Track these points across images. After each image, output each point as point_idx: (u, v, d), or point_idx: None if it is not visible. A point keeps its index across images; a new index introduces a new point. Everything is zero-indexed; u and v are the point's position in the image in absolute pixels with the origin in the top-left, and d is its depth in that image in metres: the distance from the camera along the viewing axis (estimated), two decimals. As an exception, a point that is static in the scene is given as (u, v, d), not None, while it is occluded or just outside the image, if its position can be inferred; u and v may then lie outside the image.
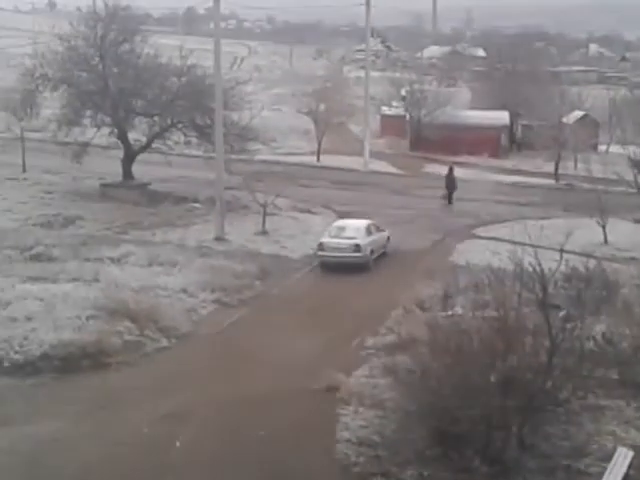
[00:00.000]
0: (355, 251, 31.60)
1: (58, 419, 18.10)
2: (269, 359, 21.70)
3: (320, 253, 32.02)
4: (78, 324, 22.42)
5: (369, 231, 32.83)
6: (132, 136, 43.84)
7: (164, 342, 22.93)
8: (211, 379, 20.65)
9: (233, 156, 40.17)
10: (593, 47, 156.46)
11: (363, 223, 33.41)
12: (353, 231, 32.43)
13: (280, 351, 22.29)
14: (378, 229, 33.64)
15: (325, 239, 32.17)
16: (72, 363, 20.88)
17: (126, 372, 20.97)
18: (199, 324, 24.63)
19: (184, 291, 26.65)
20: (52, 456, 16.54)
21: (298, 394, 19.61)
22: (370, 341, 23.25)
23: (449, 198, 43.72)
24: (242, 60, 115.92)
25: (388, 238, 34.17)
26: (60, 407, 18.76)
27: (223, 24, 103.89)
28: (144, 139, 43.67)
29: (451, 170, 44.53)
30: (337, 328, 24.26)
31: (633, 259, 32.36)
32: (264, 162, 46.61)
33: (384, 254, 33.52)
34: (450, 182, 43.96)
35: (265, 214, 35.80)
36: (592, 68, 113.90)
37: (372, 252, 32.28)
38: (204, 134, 41.81)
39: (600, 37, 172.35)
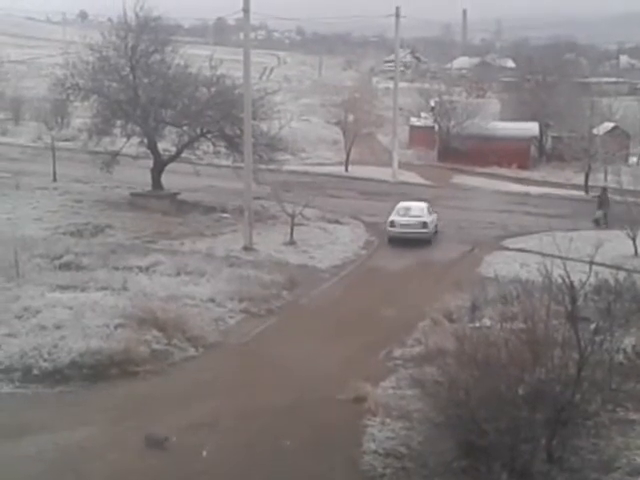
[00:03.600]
0: (423, 227, 37.27)
1: (86, 427, 18.19)
2: (296, 369, 21.70)
3: (391, 229, 37.50)
4: (106, 333, 22.50)
5: (429, 211, 38.43)
6: (162, 146, 44.07)
7: (191, 351, 22.98)
8: (238, 388, 20.67)
9: (262, 166, 40.28)
10: (624, 58, 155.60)
11: (423, 204, 38.88)
12: (418, 211, 38.04)
13: (307, 361, 22.30)
14: (433, 210, 38.97)
15: (395, 217, 37.64)
16: (100, 371, 20.97)
17: (154, 381, 21.04)
18: (227, 333, 24.66)
19: (212, 300, 26.72)
20: (79, 464, 16.60)
21: (325, 404, 19.59)
22: (397, 352, 23.21)
23: (603, 219, 41.12)
24: (271, 70, 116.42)
25: (438, 219, 39.27)
26: (88, 415, 18.84)
27: (253, 35, 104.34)
28: (173, 149, 43.89)
29: (604, 190, 42.47)
30: (364, 339, 24.22)
31: (663, 271, 32.07)
32: (292, 172, 46.81)
33: (436, 232, 38.47)
34: (603, 203, 41.77)
35: (293, 224, 35.85)
36: (623, 79, 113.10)
37: (432, 229, 37.89)
38: (233, 144, 41.97)
39: (631, 48, 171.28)
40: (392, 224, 37.48)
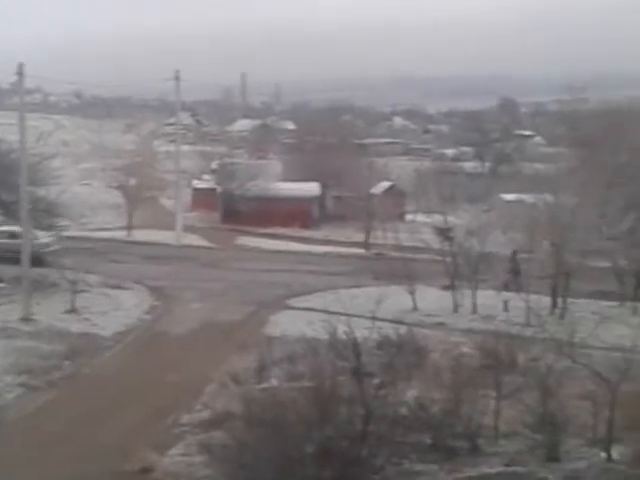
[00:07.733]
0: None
1: None
2: (80, 442, 20.90)
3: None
4: None
5: None
6: None
7: (-35, 430, 21.79)
8: (18, 466, 19.66)
9: (39, 233, 39.13)
10: (398, 120, 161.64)
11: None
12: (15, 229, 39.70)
13: (91, 433, 21.55)
14: None
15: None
16: None
17: None
18: (4, 409, 23.53)
19: (-12, 375, 25.50)
20: None
21: (112, 477, 18.95)
22: (185, 418, 22.84)
23: (514, 284, 37.15)
24: (48, 135, 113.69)
25: None
26: None
27: (28, 98, 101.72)
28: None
29: (514, 254, 39.16)
30: (151, 407, 23.69)
31: (441, 324, 33.34)
32: (72, 238, 45.53)
33: None
34: (514, 267, 38.47)
35: (75, 291, 34.88)
36: (397, 140, 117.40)
37: None
38: (10, 211, 40.60)
39: (404, 110, 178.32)
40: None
